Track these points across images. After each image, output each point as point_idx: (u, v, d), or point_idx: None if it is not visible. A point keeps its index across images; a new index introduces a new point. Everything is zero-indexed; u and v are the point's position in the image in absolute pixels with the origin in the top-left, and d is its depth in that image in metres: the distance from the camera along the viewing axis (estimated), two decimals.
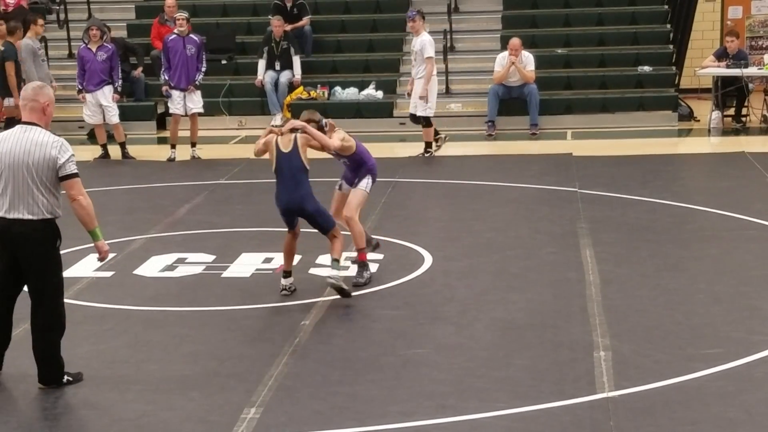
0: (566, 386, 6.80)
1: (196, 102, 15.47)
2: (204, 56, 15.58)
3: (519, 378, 6.98)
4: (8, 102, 15.76)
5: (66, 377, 7.01)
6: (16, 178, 6.74)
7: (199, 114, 15.67)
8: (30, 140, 6.76)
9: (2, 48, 15.71)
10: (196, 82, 15.37)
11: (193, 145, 15.52)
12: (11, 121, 15.82)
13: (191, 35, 15.51)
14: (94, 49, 15.46)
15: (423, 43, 15.16)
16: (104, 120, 15.60)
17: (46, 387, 6.95)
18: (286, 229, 8.81)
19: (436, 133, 15.48)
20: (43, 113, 6.85)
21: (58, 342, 6.99)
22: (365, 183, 9.13)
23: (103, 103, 15.49)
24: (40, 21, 16.41)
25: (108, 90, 15.53)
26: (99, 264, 9.73)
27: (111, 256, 10.02)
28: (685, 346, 7.51)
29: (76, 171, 6.84)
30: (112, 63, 15.56)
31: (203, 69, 15.48)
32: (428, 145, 15.32)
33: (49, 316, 6.92)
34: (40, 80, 15.89)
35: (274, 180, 8.69)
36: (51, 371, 6.96)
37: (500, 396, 6.67)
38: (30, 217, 6.78)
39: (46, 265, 6.88)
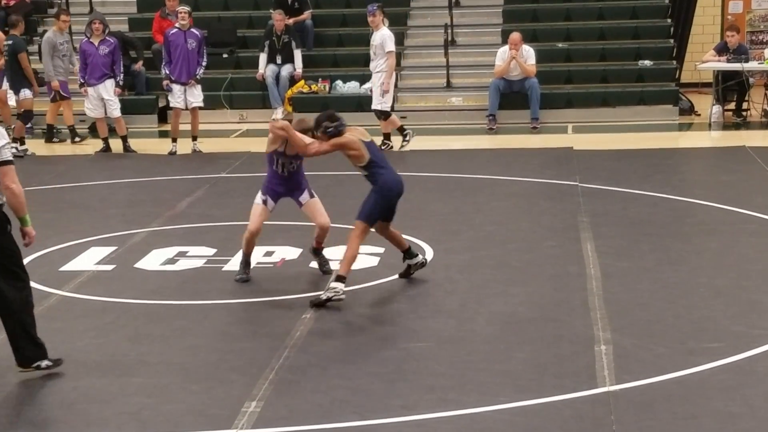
0: (567, 380, 6.80)
1: (196, 96, 15.45)
2: (205, 50, 15.57)
3: (520, 371, 6.98)
4: (24, 94, 15.72)
5: (46, 362, 7.00)
6: None
7: (200, 108, 15.66)
8: None
9: (10, 42, 15.69)
10: (197, 76, 15.36)
11: (194, 138, 15.52)
12: (28, 114, 15.83)
13: (192, 29, 15.51)
14: (96, 43, 15.47)
15: (383, 37, 15.29)
16: (105, 113, 15.59)
17: (24, 369, 6.98)
18: (369, 224, 8.63)
19: (403, 129, 15.47)
20: None
21: (30, 322, 6.97)
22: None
23: (105, 97, 15.49)
24: (64, 17, 16.43)
25: (110, 84, 15.53)
26: (98, 258, 9.82)
27: (113, 249, 10.10)
28: (686, 340, 7.51)
29: (10, 158, 6.91)
30: (114, 57, 15.56)
31: (204, 63, 15.46)
32: (386, 137, 15.38)
33: (12, 300, 6.88)
34: (57, 75, 16.06)
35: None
36: (27, 352, 6.96)
37: (501, 390, 6.68)
38: None
39: None
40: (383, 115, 15.41)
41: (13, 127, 15.51)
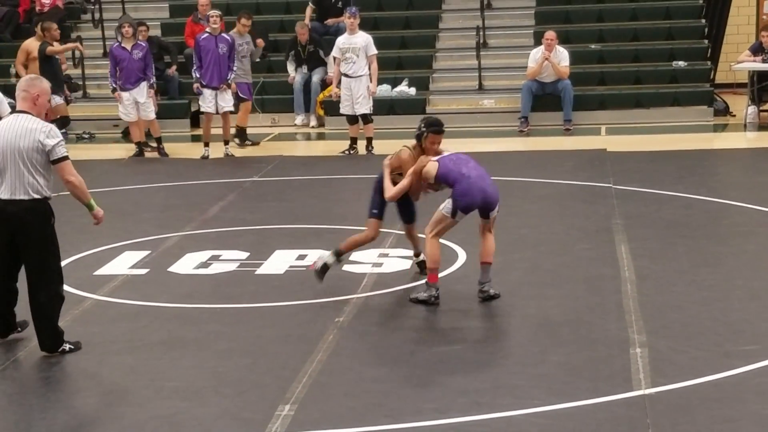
0: (602, 383, 6.75)
1: (227, 100, 15.48)
2: (235, 55, 15.59)
3: (554, 375, 6.94)
4: (55, 101, 15.71)
5: (67, 345, 7.50)
6: (10, 162, 7.29)
7: (231, 112, 15.70)
8: (21, 127, 7.34)
9: (41, 47, 15.80)
10: (228, 81, 15.39)
11: (226, 143, 15.56)
12: (65, 120, 15.87)
13: (223, 34, 15.55)
14: (129, 48, 15.54)
15: (367, 40, 15.28)
16: (139, 116, 15.63)
17: (49, 354, 7.45)
18: (403, 223, 8.93)
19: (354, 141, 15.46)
20: (34, 103, 7.45)
21: (55, 313, 7.49)
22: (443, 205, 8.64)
23: (139, 101, 15.56)
24: (53, 26, 16.53)
25: (144, 87, 15.60)
26: (132, 262, 9.86)
27: (146, 253, 10.13)
28: (722, 343, 7.44)
29: (65, 154, 7.42)
30: (146, 60, 15.64)
31: (235, 68, 15.48)
32: (354, 141, 15.38)
33: (45, 292, 7.42)
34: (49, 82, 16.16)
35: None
36: (49, 339, 7.46)
37: (535, 393, 6.64)
38: (22, 197, 7.35)
39: (41, 242, 7.39)
40: (367, 120, 15.32)
41: None
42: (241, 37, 16.22)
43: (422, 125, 8.73)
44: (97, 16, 19.62)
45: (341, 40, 15.44)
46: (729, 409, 6.36)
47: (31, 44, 16.19)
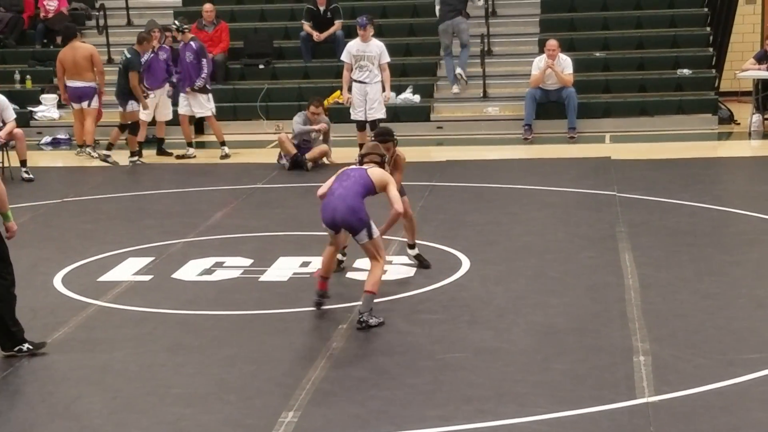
0: (606, 391, 6.75)
1: (202, 106, 15.89)
2: (205, 61, 15.85)
3: (558, 382, 6.93)
4: (132, 107, 15.72)
5: (26, 345, 7.58)
6: None
7: (208, 116, 16.09)
8: None
9: (129, 56, 15.70)
10: (195, 86, 15.76)
11: (222, 144, 15.87)
12: (136, 126, 15.88)
13: (191, 42, 15.97)
14: (155, 51, 16.18)
15: (381, 48, 15.31)
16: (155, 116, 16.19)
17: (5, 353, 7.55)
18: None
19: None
20: None
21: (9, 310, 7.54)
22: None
23: (162, 99, 16.27)
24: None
25: (166, 87, 16.36)
26: (135, 268, 9.87)
27: (150, 260, 10.14)
28: (726, 351, 7.43)
29: None
30: (168, 62, 16.36)
31: (203, 74, 15.79)
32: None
33: None
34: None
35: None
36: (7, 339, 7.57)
37: (539, 400, 6.63)
38: None
39: None
40: (379, 123, 15.32)
41: (86, 146, 16.12)
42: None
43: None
44: (101, 23, 19.64)
45: (354, 48, 15.45)
46: (732, 417, 6.35)
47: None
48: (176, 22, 16.31)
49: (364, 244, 8.31)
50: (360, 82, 15.29)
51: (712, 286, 8.98)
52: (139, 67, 15.69)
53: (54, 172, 15.76)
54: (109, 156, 15.70)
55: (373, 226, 8.28)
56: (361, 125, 15.46)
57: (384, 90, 15.34)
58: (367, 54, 15.29)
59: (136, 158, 15.71)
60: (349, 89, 15.42)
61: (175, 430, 6.39)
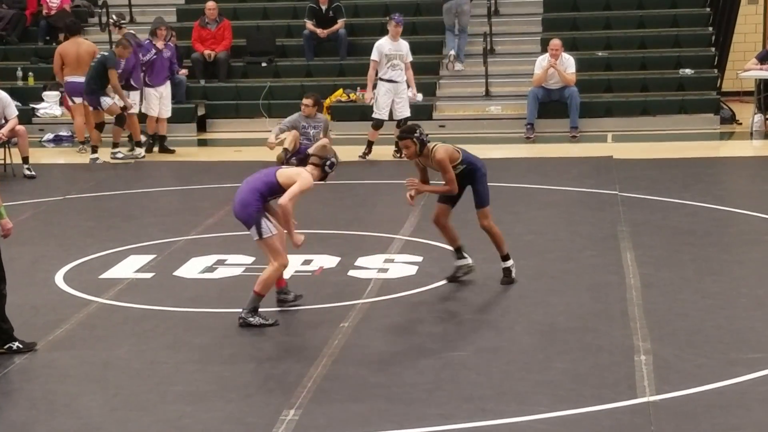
0: (606, 390, 6.76)
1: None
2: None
3: (559, 381, 6.94)
4: (106, 102, 15.52)
5: (16, 344, 7.53)
6: None
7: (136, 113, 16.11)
8: None
9: (106, 54, 15.63)
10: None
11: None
12: (121, 118, 15.85)
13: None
14: (161, 48, 16.32)
15: (408, 47, 15.48)
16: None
17: None
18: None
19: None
20: None
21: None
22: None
23: (164, 95, 16.37)
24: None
25: (169, 85, 16.56)
26: (137, 266, 9.87)
27: (152, 257, 10.15)
28: (727, 351, 7.44)
29: None
30: (172, 59, 16.62)
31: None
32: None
33: None
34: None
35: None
36: None
37: (540, 399, 6.64)
38: None
39: None
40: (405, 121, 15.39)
41: (85, 141, 16.06)
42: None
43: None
44: (104, 20, 19.63)
45: (386, 47, 15.48)
46: (733, 416, 6.35)
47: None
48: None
49: (257, 242, 8.26)
50: (391, 81, 15.37)
51: (714, 286, 8.99)
52: (118, 66, 15.63)
53: (56, 169, 15.77)
54: (119, 153, 15.76)
55: (266, 226, 8.16)
56: (378, 123, 15.46)
57: (408, 87, 15.52)
58: (399, 53, 15.44)
59: (117, 150, 15.74)
60: (373, 87, 15.46)
61: (176, 427, 6.40)
